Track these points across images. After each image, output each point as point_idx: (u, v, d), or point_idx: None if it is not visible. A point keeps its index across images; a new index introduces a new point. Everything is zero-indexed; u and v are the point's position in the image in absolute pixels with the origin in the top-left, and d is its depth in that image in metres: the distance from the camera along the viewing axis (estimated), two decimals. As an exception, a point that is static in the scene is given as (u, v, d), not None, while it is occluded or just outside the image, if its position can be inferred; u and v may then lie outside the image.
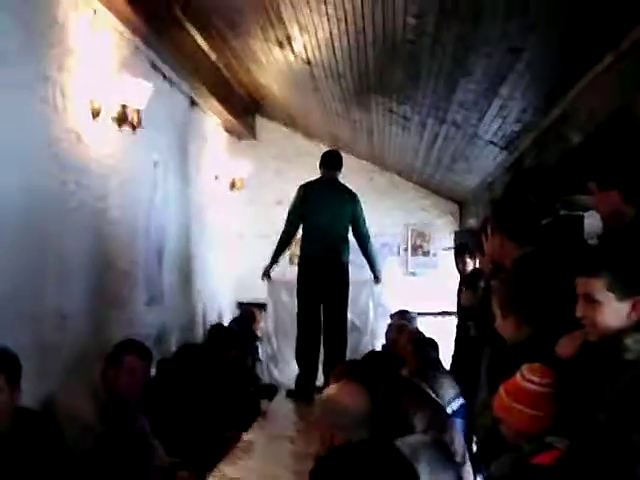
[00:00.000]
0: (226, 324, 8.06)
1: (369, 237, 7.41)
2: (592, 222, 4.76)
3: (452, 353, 6.81)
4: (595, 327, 2.57)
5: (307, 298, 7.05)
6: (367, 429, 2.81)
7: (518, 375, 2.82)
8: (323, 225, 7.01)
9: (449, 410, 5.23)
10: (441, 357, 6.25)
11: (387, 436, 2.78)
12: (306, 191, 7.13)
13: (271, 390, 7.49)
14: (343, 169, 7.29)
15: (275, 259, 7.43)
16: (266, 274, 7.56)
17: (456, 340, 6.93)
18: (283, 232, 7.26)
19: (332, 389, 3.00)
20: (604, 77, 3.85)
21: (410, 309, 8.07)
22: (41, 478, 3.28)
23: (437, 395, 5.19)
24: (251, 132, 9.79)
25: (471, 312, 5.83)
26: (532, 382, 2.77)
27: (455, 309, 7.46)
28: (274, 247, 7.35)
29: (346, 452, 2.03)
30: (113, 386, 4.18)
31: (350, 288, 7.25)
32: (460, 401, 5.42)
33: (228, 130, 9.25)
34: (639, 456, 2.27)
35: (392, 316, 8.29)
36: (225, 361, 6.43)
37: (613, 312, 2.52)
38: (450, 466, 2.27)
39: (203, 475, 4.42)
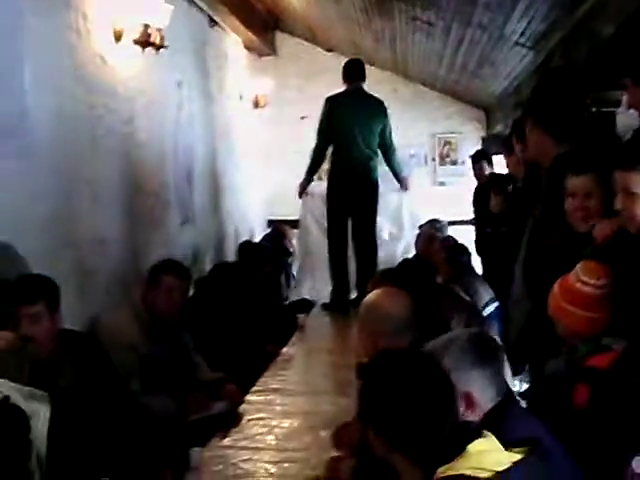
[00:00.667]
0: (257, 242, 8.11)
1: (395, 149, 7.36)
2: (626, 118, 4.70)
3: (480, 260, 6.81)
4: (634, 220, 2.55)
5: (336, 212, 7.05)
6: (410, 334, 2.83)
7: (573, 275, 2.70)
8: (352, 138, 6.94)
9: (485, 313, 5.28)
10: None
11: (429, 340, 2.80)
12: (333, 104, 7.02)
13: (306, 304, 7.57)
14: (367, 81, 7.21)
15: (310, 176, 7.39)
16: (302, 191, 7.52)
17: (480, 247, 6.91)
18: (315, 147, 7.20)
19: (373, 295, 3.00)
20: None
21: (440, 218, 8.07)
22: (90, 397, 3.35)
23: (472, 299, 5.23)
24: (271, 48, 9.67)
25: (502, 217, 5.83)
26: (587, 284, 2.64)
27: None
28: (308, 163, 7.31)
29: (398, 353, 2.05)
30: (153, 306, 4.24)
31: (381, 199, 7.25)
32: (495, 304, 5.46)
33: (248, 47, 9.13)
34: None
35: (421, 226, 8.30)
36: (259, 277, 6.49)
37: None
38: (484, 361, 2.27)
39: (247, 388, 4.53)
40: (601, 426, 2.39)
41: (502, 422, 2.16)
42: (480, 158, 7.41)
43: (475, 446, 1.79)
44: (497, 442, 1.85)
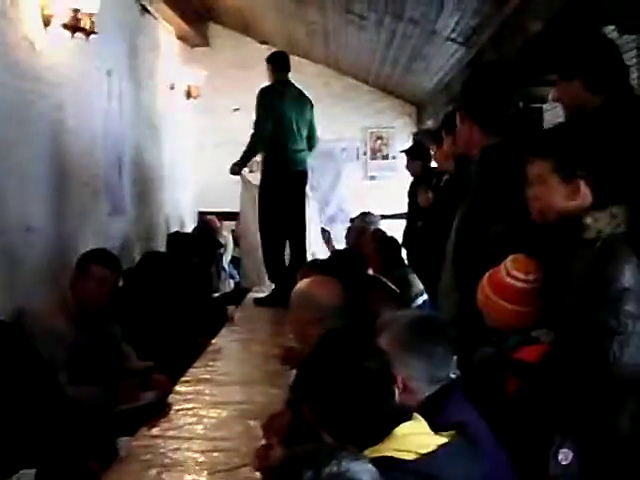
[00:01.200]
0: (187, 233, 8.05)
1: (316, 144, 7.35)
2: (552, 114, 4.81)
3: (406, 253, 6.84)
4: (543, 209, 2.60)
5: (272, 204, 6.96)
6: (339, 322, 2.84)
7: (502, 270, 2.72)
8: (291, 130, 6.90)
9: (414, 305, 5.35)
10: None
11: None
12: (273, 95, 6.93)
13: (237, 296, 7.56)
14: (300, 75, 7.20)
15: (245, 159, 7.19)
16: (236, 171, 7.30)
17: (408, 240, 6.95)
18: (256, 135, 6.98)
19: (304, 283, 3.02)
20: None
21: (372, 212, 8.13)
22: (16, 388, 3.29)
23: (402, 292, 5.28)
24: (204, 39, 9.62)
25: (429, 211, 5.87)
26: (517, 279, 2.67)
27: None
28: (245, 150, 7.11)
29: (341, 332, 2.05)
30: (82, 295, 4.17)
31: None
32: (424, 297, 5.53)
33: (181, 38, 9.07)
34: (605, 333, 2.31)
35: (352, 220, 8.36)
36: (188, 267, 6.46)
37: (558, 193, 2.52)
38: (424, 344, 2.29)
39: (176, 378, 4.50)
40: (528, 416, 2.45)
41: (440, 407, 2.19)
42: (415, 153, 7.45)
43: (402, 429, 1.81)
44: (426, 425, 1.88)
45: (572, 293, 2.42)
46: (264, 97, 6.93)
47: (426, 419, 1.92)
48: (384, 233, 6.66)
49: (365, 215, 8.04)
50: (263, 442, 3.09)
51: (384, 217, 8.34)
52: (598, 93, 2.93)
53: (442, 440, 1.84)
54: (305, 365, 2.00)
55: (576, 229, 2.46)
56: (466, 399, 2.34)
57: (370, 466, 1.38)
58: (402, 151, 7.49)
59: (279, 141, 6.92)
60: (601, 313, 2.31)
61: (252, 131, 6.99)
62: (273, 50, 8.02)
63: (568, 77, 3.03)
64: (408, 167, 7.17)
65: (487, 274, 2.81)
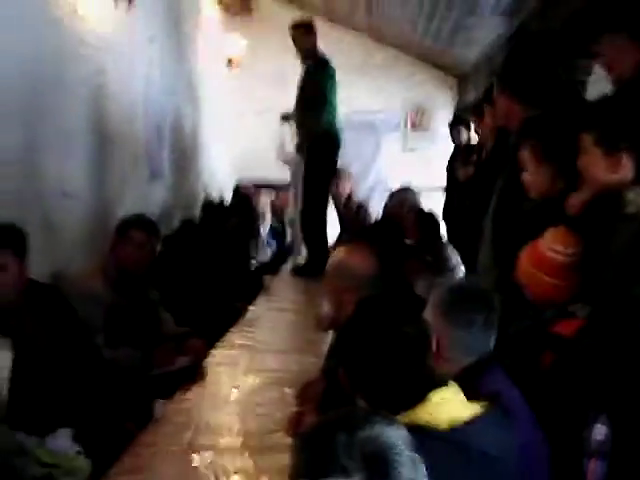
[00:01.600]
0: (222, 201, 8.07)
1: None
2: (597, 88, 4.73)
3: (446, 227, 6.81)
4: (590, 181, 2.59)
5: (325, 180, 6.93)
6: (375, 291, 2.85)
7: (542, 243, 2.73)
8: (337, 106, 6.80)
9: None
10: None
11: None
12: (333, 71, 6.69)
13: (274, 265, 7.59)
14: (341, 45, 7.10)
15: (299, 128, 6.90)
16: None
17: (447, 215, 6.93)
18: (318, 109, 6.63)
19: (341, 252, 3.04)
20: None
21: (411, 185, 8.09)
22: (55, 347, 3.35)
23: (438, 264, 5.27)
24: (246, 7, 9.59)
25: (469, 185, 5.84)
26: (557, 252, 2.67)
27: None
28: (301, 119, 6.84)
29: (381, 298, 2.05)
30: (121, 260, 4.21)
31: None
32: (462, 270, 5.51)
33: (222, 5, 9.05)
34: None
35: (392, 195, 8.34)
36: (224, 234, 6.48)
37: (600, 165, 2.52)
38: (464, 313, 2.30)
39: (212, 343, 4.54)
40: (563, 390, 2.44)
41: (476, 379, 2.20)
42: (458, 122, 7.40)
43: (436, 395, 1.82)
44: (460, 393, 1.88)
45: (610, 267, 2.41)
46: (333, 73, 6.68)
47: (462, 389, 1.92)
48: (423, 207, 6.64)
49: (406, 189, 8.02)
50: (296, 409, 3.13)
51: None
52: None
53: (476, 409, 1.84)
54: (343, 330, 2.01)
55: (617, 203, 2.44)
56: (503, 371, 2.34)
57: (403, 431, 1.38)
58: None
59: (333, 117, 6.75)
60: (638, 288, 2.29)
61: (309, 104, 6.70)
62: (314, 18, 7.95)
63: (614, 29, 2.98)
64: (452, 136, 7.16)
65: (527, 248, 2.80)
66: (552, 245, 2.70)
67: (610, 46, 3.00)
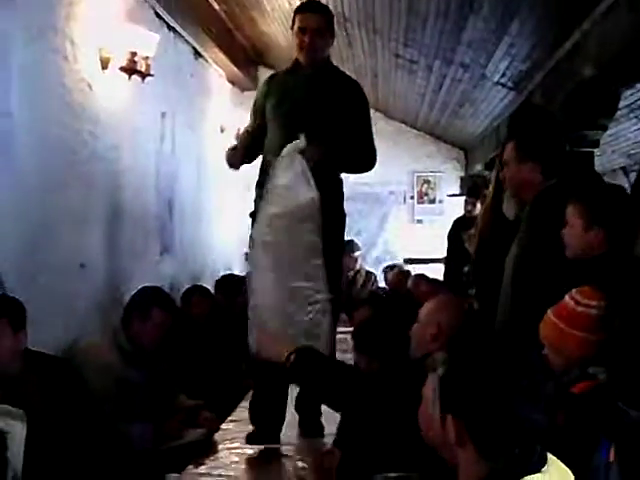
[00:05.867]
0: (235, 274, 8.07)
1: None
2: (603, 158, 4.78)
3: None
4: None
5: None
6: None
7: (570, 300, 2.71)
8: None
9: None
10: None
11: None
12: None
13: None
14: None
15: None
16: None
17: (450, 284, 6.93)
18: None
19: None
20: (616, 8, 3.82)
21: (414, 256, 8.22)
22: (63, 421, 3.31)
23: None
24: (254, 83, 9.72)
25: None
26: (589, 306, 2.65)
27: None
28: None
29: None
30: (138, 336, 4.14)
31: None
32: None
33: (231, 81, 9.20)
34: None
35: (386, 269, 8.48)
36: (235, 309, 6.47)
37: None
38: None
39: (223, 417, 4.51)
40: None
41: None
42: (474, 194, 7.39)
43: None
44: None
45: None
46: None
47: None
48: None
49: (394, 266, 8.21)
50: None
51: (429, 261, 8.39)
52: None
53: None
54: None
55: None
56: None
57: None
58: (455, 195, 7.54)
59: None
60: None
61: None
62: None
63: None
64: (466, 207, 7.24)
65: (550, 311, 2.78)
66: (583, 300, 2.68)
67: None
